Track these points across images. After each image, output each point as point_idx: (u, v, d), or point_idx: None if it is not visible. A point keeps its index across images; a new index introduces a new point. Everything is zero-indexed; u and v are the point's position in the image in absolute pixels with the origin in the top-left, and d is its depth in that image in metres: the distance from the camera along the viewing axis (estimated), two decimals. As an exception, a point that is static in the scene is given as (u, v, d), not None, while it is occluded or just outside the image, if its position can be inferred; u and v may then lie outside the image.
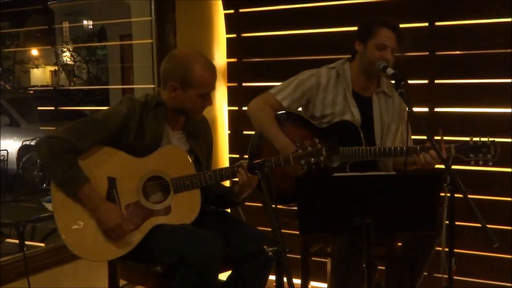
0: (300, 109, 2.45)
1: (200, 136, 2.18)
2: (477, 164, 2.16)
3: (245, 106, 2.49)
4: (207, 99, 2.03)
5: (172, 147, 2.08)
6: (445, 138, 2.12)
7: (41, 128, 7.42)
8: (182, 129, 2.13)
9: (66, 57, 22.61)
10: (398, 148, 2.22)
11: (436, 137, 2.12)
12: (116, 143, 2.00)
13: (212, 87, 2.04)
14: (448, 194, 1.78)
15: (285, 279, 1.58)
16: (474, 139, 2.18)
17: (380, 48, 2.22)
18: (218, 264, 1.91)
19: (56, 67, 23.11)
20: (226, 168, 2.06)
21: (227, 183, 2.25)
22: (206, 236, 1.92)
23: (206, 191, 2.08)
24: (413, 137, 2.39)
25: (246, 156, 2.55)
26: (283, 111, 2.39)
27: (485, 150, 2.15)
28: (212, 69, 2.03)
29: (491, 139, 2.17)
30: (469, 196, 1.71)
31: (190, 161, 2.06)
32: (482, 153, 2.15)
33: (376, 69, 2.22)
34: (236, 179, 2.05)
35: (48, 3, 21.56)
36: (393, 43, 2.22)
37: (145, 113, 2.02)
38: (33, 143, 5.85)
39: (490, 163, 2.15)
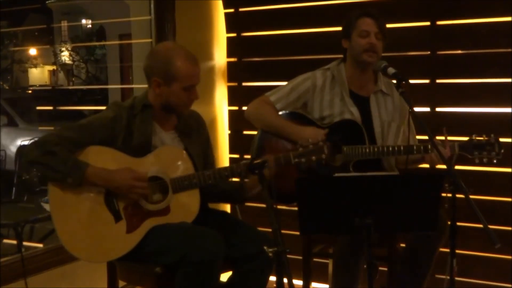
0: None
1: (194, 133, 2.16)
2: (481, 162, 2.15)
3: (245, 106, 2.47)
4: (192, 92, 2.02)
5: (170, 147, 2.07)
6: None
7: (40, 128, 7.40)
8: (174, 128, 2.12)
9: (65, 56, 22.62)
10: (402, 147, 2.21)
11: (439, 137, 2.12)
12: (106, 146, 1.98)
13: (195, 79, 2.01)
14: (450, 195, 1.77)
15: (285, 280, 1.57)
16: (478, 137, 2.17)
17: (364, 36, 2.25)
18: (220, 261, 1.90)
19: (54, 67, 23.12)
20: (225, 168, 2.05)
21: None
22: (207, 234, 1.91)
23: (213, 186, 2.06)
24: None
25: (246, 156, 2.55)
26: (285, 111, 2.38)
27: (489, 148, 2.14)
28: (193, 60, 2.01)
29: (494, 136, 2.16)
30: (470, 196, 1.70)
31: (189, 160, 2.05)
32: (486, 151, 2.14)
33: (363, 56, 2.24)
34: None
35: (47, 2, 21.53)
36: (374, 28, 2.25)
37: (131, 117, 2.01)
38: (31, 142, 5.81)
39: (495, 161, 2.14)
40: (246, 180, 2.09)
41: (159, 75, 1.98)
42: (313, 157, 1.99)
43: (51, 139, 1.91)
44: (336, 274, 2.23)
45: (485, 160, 2.15)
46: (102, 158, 1.96)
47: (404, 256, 2.26)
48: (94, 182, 1.92)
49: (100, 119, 1.99)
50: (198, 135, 2.18)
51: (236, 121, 3.32)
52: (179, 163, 2.03)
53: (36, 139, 1.95)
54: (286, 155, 2.02)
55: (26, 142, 6.44)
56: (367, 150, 2.22)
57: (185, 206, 2.00)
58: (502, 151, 2.14)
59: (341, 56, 2.41)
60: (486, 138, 2.16)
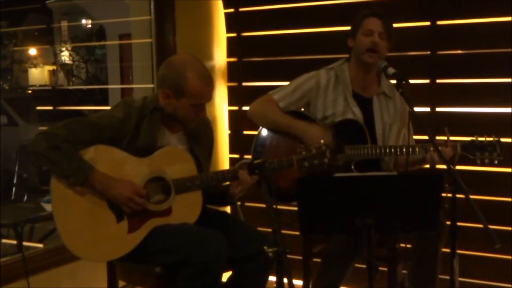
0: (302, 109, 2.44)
1: (201, 137, 2.16)
2: (482, 163, 2.16)
3: (245, 106, 2.48)
4: (200, 109, 2.00)
5: (174, 147, 2.07)
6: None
7: (40, 128, 7.39)
8: (182, 130, 2.11)
9: (65, 56, 22.61)
10: (404, 147, 2.21)
11: (441, 137, 2.12)
12: (111, 145, 1.98)
13: (205, 98, 1.99)
14: (450, 195, 1.77)
15: (285, 280, 1.57)
16: (480, 138, 2.17)
17: (368, 34, 2.25)
18: (223, 263, 1.90)
19: (54, 67, 23.08)
20: (228, 170, 2.05)
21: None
22: (210, 235, 1.91)
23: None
24: (415, 137, 2.38)
25: (246, 156, 2.56)
26: (288, 111, 2.37)
27: (491, 149, 2.15)
28: (207, 79, 1.98)
29: (496, 138, 2.16)
30: (470, 196, 1.70)
31: (192, 162, 2.04)
32: (488, 152, 2.15)
33: (365, 56, 2.24)
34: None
35: (47, 2, 21.51)
36: (379, 28, 2.25)
37: (140, 118, 2.00)
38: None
39: (496, 162, 2.15)
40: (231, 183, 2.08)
41: (170, 87, 1.96)
42: (316, 161, 2.00)
43: (60, 133, 1.91)
44: (322, 273, 2.22)
45: (486, 161, 2.16)
46: (106, 157, 1.97)
47: (412, 256, 2.25)
48: (94, 186, 1.92)
49: (109, 119, 1.98)
50: (205, 141, 2.18)
51: (236, 121, 3.32)
52: (182, 164, 2.02)
53: (43, 130, 1.95)
54: (289, 159, 2.02)
55: (26, 143, 6.45)
56: (369, 150, 2.22)
57: (187, 207, 2.00)
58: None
59: (342, 56, 2.42)
60: (488, 139, 2.16)
